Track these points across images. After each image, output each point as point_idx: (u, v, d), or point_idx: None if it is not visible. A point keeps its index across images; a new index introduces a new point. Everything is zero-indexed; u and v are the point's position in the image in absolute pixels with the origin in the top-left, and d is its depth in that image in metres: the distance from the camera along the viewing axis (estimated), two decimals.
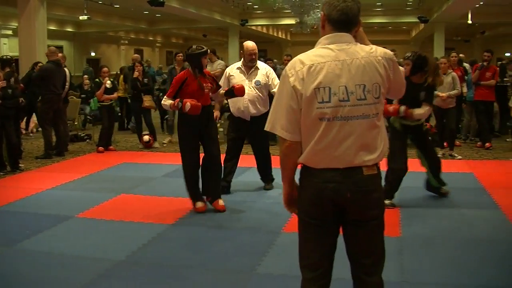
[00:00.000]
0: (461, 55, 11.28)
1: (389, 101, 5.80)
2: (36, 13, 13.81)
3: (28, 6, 13.72)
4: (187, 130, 5.80)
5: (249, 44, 6.63)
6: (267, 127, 2.58)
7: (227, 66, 8.03)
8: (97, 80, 10.38)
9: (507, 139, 10.52)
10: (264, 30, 30.75)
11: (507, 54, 26.50)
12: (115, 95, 10.36)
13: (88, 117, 12.71)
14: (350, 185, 2.46)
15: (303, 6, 18.77)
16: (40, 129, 10.28)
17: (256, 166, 6.94)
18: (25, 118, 11.60)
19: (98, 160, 9.22)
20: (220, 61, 11.99)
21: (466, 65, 11.27)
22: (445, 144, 9.15)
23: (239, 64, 6.72)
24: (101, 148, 9.95)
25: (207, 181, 5.95)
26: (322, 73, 2.43)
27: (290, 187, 2.66)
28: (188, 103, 5.52)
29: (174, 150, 10.17)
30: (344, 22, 2.50)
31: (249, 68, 6.61)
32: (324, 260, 2.59)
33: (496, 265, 4.31)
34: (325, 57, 2.46)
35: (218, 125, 7.92)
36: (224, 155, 6.50)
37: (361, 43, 2.56)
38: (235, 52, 26.40)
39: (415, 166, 6.27)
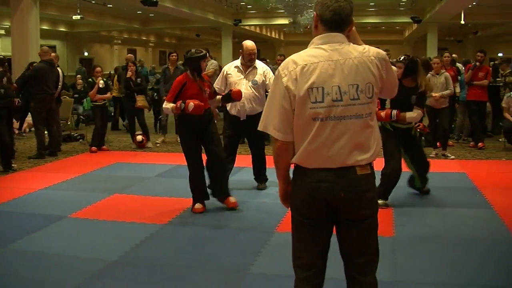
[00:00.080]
0: (454, 55, 11.31)
1: (382, 102, 5.85)
2: (29, 13, 13.75)
3: (21, 5, 13.66)
4: (188, 133, 5.83)
5: (249, 43, 6.64)
6: (260, 127, 2.59)
7: (220, 66, 8.05)
8: (90, 80, 10.35)
9: (500, 139, 10.55)
10: (258, 30, 30.76)
11: (500, 54, 26.66)
12: (108, 95, 10.34)
13: (81, 117, 12.68)
14: (344, 184, 2.46)
15: (296, 6, 18.79)
16: (32, 129, 10.24)
17: (251, 165, 6.96)
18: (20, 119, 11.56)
19: (91, 160, 9.19)
20: (213, 61, 11.99)
21: (459, 65, 11.31)
22: (438, 144, 9.18)
23: (237, 62, 6.72)
24: (94, 148, 9.92)
25: (214, 182, 5.99)
26: (315, 73, 2.44)
27: (285, 183, 2.68)
28: (192, 103, 5.54)
29: (167, 150, 10.18)
30: (337, 22, 2.50)
31: (247, 67, 6.62)
32: (317, 260, 2.60)
33: (490, 264, 4.32)
34: (318, 57, 2.47)
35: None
36: None
37: (354, 43, 2.57)
38: (229, 52, 26.41)
39: None
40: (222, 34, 27.76)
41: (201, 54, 5.80)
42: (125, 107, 11.21)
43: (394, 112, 5.78)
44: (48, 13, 19.78)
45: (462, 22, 20.89)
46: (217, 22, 24.70)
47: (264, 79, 6.59)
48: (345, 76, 2.44)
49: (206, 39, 35.14)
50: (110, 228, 5.38)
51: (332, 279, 2.81)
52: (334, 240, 2.62)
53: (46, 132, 9.62)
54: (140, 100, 10.26)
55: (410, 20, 22.76)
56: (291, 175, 2.66)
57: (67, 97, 12.61)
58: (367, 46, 2.56)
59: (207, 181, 6.01)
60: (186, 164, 5.92)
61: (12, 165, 8.31)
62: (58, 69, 10.09)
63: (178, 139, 10.42)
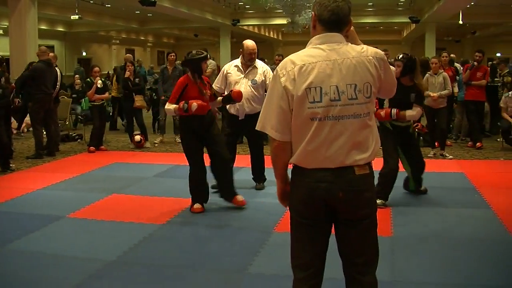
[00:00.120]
0: (452, 55, 11.32)
1: (380, 101, 5.87)
2: (27, 13, 13.73)
3: (19, 5, 13.64)
4: (188, 133, 5.82)
5: (250, 43, 6.64)
6: (258, 126, 2.59)
7: (218, 66, 8.06)
8: (88, 80, 10.33)
9: (498, 139, 10.57)
10: (256, 30, 30.74)
11: (498, 54, 26.68)
12: (106, 95, 10.33)
13: (79, 117, 12.64)
14: (342, 184, 2.46)
15: (294, 6, 18.77)
16: (31, 129, 10.22)
17: (250, 165, 6.97)
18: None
19: (89, 160, 9.18)
20: (211, 60, 11.97)
21: (457, 65, 11.31)
22: (436, 144, 9.19)
23: (237, 62, 6.72)
24: (92, 148, 9.91)
25: (221, 183, 6.00)
26: (313, 73, 2.44)
27: (283, 183, 2.68)
28: (195, 103, 5.54)
29: (165, 150, 10.17)
30: (335, 22, 2.50)
31: (247, 66, 6.62)
32: (315, 260, 2.59)
33: (488, 264, 4.32)
34: (316, 57, 2.47)
35: None
36: None
37: (352, 43, 2.57)
38: (227, 52, 26.39)
39: None
40: (220, 34, 27.75)
41: (202, 55, 5.78)
42: (123, 107, 11.21)
43: (394, 111, 5.83)
44: (46, 13, 19.75)
45: (460, 22, 20.90)
46: (215, 22, 24.68)
47: (263, 78, 6.59)
48: (343, 76, 2.44)
49: (204, 39, 35.11)
50: (108, 228, 5.38)
51: (330, 279, 2.81)
52: (332, 240, 2.62)
53: (44, 132, 9.62)
54: (138, 100, 10.26)
55: (408, 20, 22.74)
56: (289, 175, 2.66)
57: (65, 97, 12.62)
58: (365, 46, 2.56)
59: (213, 182, 6.03)
60: (188, 164, 5.93)
61: (10, 165, 8.30)
62: (56, 69, 10.08)
63: (176, 139, 10.46)
